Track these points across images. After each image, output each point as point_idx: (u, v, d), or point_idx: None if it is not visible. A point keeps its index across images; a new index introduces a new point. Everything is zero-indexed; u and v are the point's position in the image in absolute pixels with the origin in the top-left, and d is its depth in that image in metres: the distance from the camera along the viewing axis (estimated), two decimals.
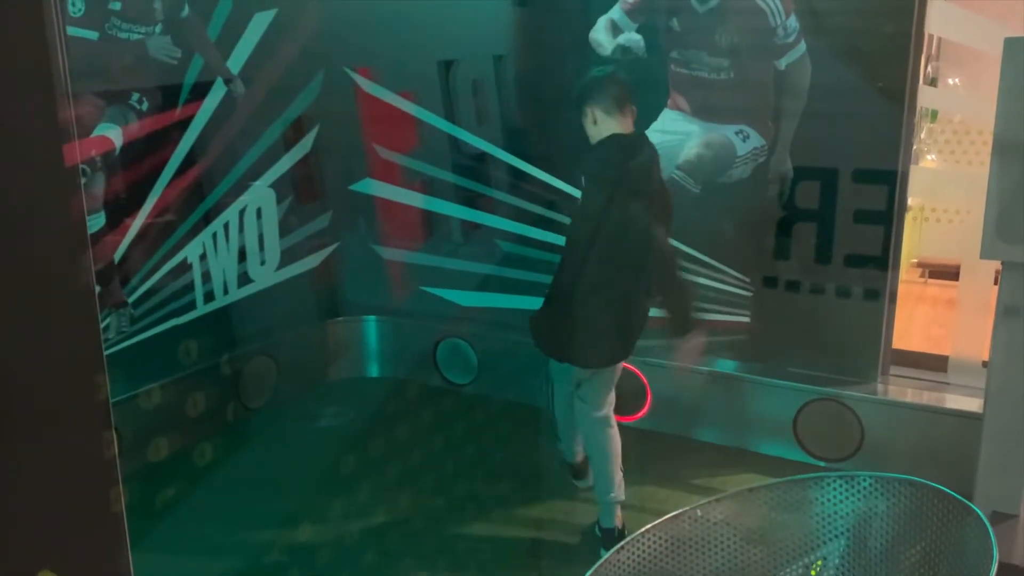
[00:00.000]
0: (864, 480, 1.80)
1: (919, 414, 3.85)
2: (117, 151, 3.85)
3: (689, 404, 4.28)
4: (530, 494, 3.80)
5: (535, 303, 4.48)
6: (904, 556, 1.79)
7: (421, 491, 3.84)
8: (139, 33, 3.88)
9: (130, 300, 3.98)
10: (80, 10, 3.62)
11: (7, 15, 0.94)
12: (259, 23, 4.35)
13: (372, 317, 5.10)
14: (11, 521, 0.99)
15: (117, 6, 3.76)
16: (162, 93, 4.01)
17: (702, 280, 4.23)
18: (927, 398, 3.92)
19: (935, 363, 4.10)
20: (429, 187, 4.82)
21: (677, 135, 4.15)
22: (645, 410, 4.36)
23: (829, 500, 1.85)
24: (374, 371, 5.15)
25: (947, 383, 4.00)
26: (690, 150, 4.11)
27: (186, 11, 4.06)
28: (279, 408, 4.62)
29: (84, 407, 0.96)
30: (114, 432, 1.04)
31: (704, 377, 4.25)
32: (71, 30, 3.59)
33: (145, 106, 3.94)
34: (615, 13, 4.15)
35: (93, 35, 3.70)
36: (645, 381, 4.34)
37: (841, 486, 1.83)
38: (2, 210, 0.96)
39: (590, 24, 4.19)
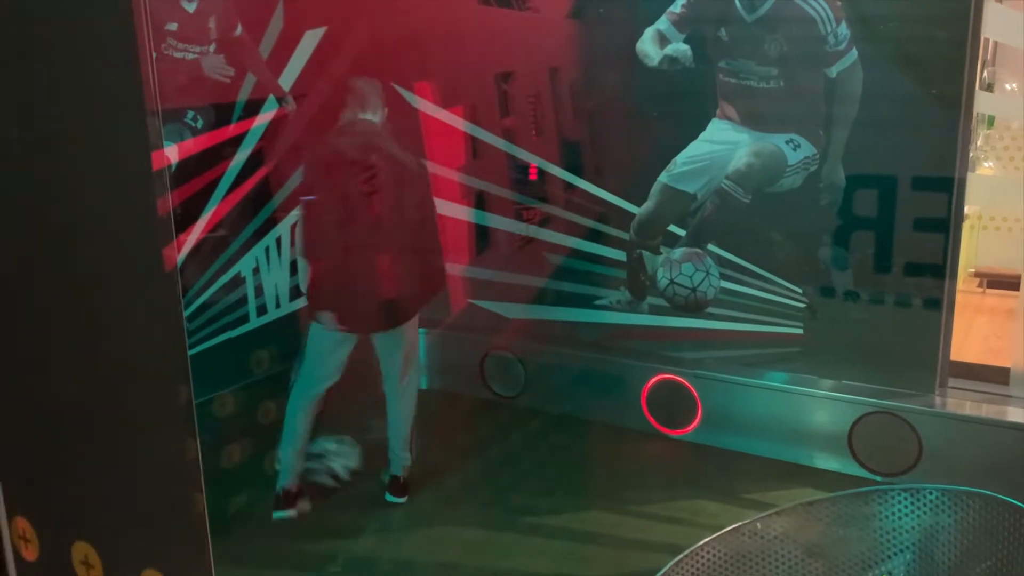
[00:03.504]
0: (930, 493, 1.76)
1: (979, 427, 3.75)
2: (173, 168, 3.93)
3: (740, 417, 4.23)
4: (580, 507, 3.78)
5: (583, 315, 4.49)
6: (973, 571, 1.74)
7: (471, 502, 3.84)
8: (194, 53, 3.97)
9: (186, 314, 4.05)
10: None
11: (105, 38, 0.97)
12: (309, 41, 4.43)
13: (421, 330, 5.11)
14: (114, 520, 1.01)
15: (173, 27, 3.85)
16: (216, 111, 4.09)
17: (753, 291, 4.18)
18: (987, 411, 3.82)
19: (995, 375, 3.99)
20: (479, 200, 4.84)
21: (726, 145, 4.12)
22: (696, 423, 4.31)
23: (893, 514, 1.80)
24: (423, 383, 5.17)
25: (1008, 395, 3.89)
26: (740, 160, 4.07)
27: (239, 30, 4.15)
28: (329, 420, 4.66)
29: (171, 412, 0.99)
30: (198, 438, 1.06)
31: (756, 390, 4.19)
32: None
33: (200, 123, 4.02)
34: (662, 24, 4.14)
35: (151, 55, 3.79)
36: (695, 394, 4.30)
37: (906, 499, 1.78)
38: (100, 209, 0.98)
39: (639, 35, 4.18)
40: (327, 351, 3.71)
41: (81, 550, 1.06)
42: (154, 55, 3.72)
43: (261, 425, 4.25)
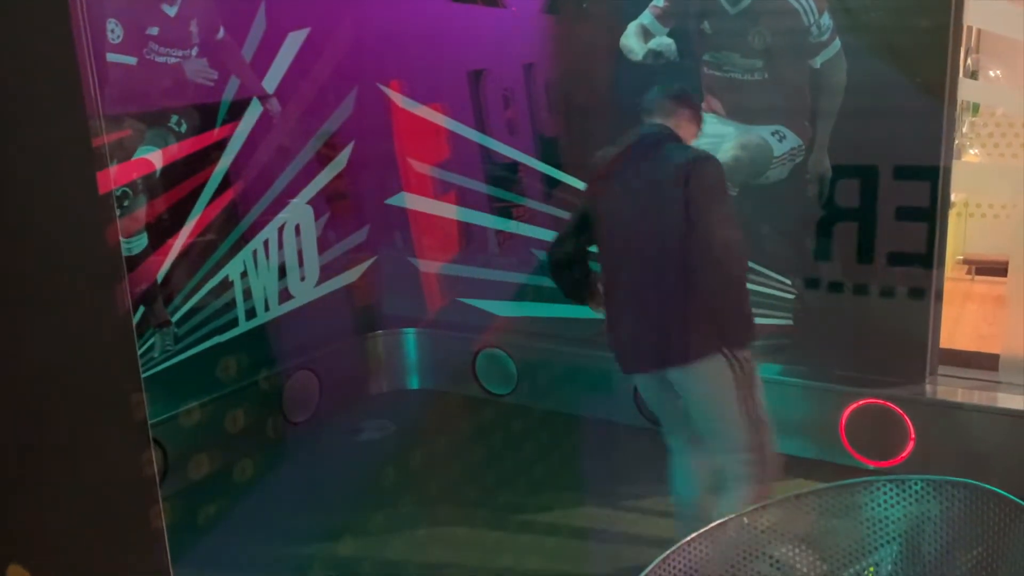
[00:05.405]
0: (916, 484, 1.76)
1: (970, 414, 3.76)
2: (157, 173, 3.92)
3: None
4: (572, 503, 3.78)
5: (571, 311, 4.43)
6: (960, 561, 1.74)
7: (463, 503, 3.84)
8: (176, 57, 3.95)
9: (173, 319, 4.04)
10: (119, 36, 3.70)
11: (40, 44, 0.95)
12: (292, 43, 4.41)
13: (410, 330, 5.12)
14: (55, 540, 1.00)
15: (155, 31, 3.83)
16: (200, 114, 4.08)
17: None
18: (978, 398, 3.83)
19: (985, 362, 4.00)
20: (463, 198, 4.84)
21: (712, 138, 4.10)
22: None
23: (880, 505, 1.80)
24: (414, 383, 5.17)
25: (998, 382, 3.90)
26: (726, 152, 4.07)
27: (221, 33, 4.13)
28: (321, 422, 4.66)
29: (123, 428, 0.97)
30: (153, 451, 1.05)
31: None
32: (111, 56, 3.66)
33: (184, 128, 4.00)
34: (645, 18, 4.13)
35: (132, 60, 3.77)
36: None
37: (892, 490, 1.78)
38: (40, 237, 0.97)
39: (621, 30, 4.17)
40: (643, 389, 3.07)
41: (15, 574, 1.03)
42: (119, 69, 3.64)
43: (230, 434, 4.22)
